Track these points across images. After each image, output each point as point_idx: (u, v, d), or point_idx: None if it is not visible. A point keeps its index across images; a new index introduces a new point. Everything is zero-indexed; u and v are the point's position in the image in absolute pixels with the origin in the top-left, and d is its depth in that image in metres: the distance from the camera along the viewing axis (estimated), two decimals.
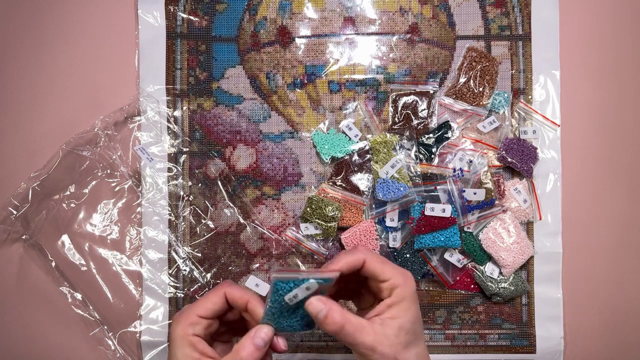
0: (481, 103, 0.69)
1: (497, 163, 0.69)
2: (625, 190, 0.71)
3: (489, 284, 0.68)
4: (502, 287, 0.68)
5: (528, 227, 0.70)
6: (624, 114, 0.71)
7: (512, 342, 0.70)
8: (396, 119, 0.69)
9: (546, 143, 0.70)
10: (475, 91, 0.69)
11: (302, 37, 0.70)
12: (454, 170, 0.68)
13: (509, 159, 0.68)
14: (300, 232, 0.69)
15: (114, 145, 0.68)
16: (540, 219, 0.69)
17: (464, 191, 0.67)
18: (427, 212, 0.65)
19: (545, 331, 0.69)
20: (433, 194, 0.67)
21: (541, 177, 0.70)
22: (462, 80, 0.69)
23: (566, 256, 0.70)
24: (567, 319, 0.70)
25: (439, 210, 0.65)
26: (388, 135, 0.68)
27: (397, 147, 0.68)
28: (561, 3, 0.70)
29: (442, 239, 0.65)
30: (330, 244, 0.69)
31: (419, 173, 0.67)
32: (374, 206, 0.68)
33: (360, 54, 0.70)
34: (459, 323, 0.70)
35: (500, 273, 0.68)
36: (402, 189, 0.66)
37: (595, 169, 0.70)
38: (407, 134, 0.68)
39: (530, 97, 0.70)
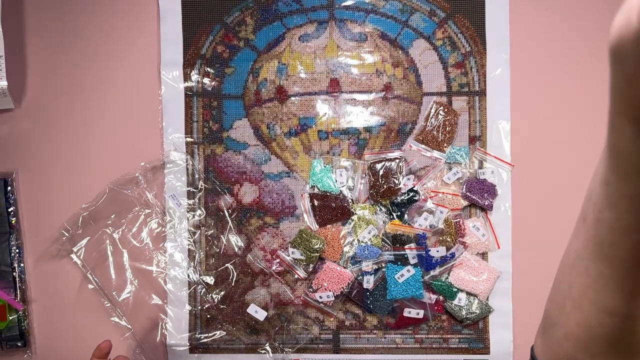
0: (442, 148, 0.83)
1: (461, 205, 0.83)
2: (566, 216, 0.84)
3: (459, 312, 0.82)
4: (470, 312, 0.82)
5: (483, 253, 0.84)
6: (567, 154, 0.84)
7: (470, 345, 0.84)
8: (372, 183, 0.83)
9: (503, 180, 0.83)
10: (439, 139, 0.83)
11: (296, 94, 0.85)
12: (419, 237, 0.82)
13: (471, 196, 0.82)
14: (288, 254, 0.84)
15: (150, 187, 0.84)
16: (499, 247, 0.83)
17: (429, 251, 0.82)
18: (405, 314, 0.82)
19: (497, 336, 0.84)
20: (401, 255, 0.82)
21: (495, 209, 0.83)
22: (429, 128, 0.83)
23: (515, 274, 0.84)
24: (516, 326, 0.84)
25: (415, 313, 0.83)
26: (363, 213, 0.83)
27: (376, 212, 0.83)
28: (512, 63, 0.84)
29: (409, 292, 0.82)
30: (310, 268, 0.84)
31: (389, 237, 0.83)
32: (349, 259, 0.84)
33: (344, 108, 0.84)
34: (426, 329, 0.85)
35: (467, 298, 0.82)
36: (376, 252, 0.82)
37: (542, 199, 0.84)
38: (384, 198, 0.83)
39: (485, 143, 0.84)
